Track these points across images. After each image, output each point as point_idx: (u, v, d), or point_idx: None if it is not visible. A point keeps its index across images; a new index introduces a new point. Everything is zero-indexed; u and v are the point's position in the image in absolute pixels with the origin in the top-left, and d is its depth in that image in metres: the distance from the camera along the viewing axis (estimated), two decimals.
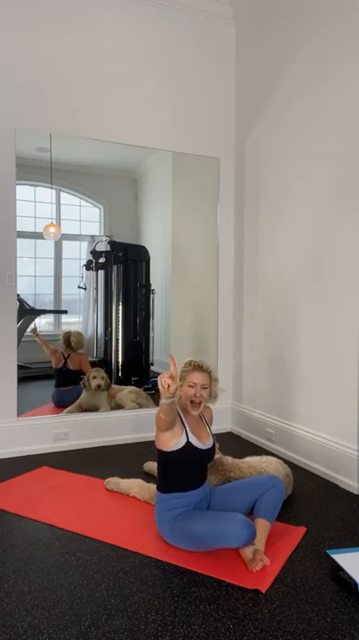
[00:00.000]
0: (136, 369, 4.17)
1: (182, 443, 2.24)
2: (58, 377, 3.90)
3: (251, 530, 2.07)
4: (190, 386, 2.29)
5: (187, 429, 2.28)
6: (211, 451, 2.37)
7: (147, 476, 3.05)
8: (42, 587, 1.96)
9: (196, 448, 2.27)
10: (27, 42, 3.44)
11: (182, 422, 2.28)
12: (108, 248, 4.06)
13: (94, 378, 3.83)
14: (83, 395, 3.84)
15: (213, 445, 2.39)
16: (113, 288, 4.09)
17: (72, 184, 3.98)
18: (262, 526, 2.23)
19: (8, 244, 3.44)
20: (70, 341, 3.88)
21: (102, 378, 3.85)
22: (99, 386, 3.82)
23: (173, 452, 2.23)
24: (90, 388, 3.82)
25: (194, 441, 2.27)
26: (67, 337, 3.90)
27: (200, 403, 2.30)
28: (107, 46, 3.67)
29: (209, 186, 4.09)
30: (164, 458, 2.28)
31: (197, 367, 2.32)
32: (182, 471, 2.27)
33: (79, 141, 3.68)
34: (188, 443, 2.25)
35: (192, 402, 2.29)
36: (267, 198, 3.71)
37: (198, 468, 2.32)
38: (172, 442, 2.23)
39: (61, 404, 3.81)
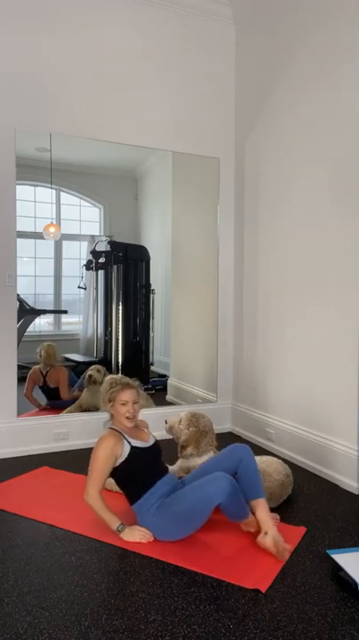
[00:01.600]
0: (136, 369, 4.17)
1: (127, 451, 2.32)
2: (43, 394, 3.83)
3: (230, 480, 2.14)
4: (122, 404, 2.37)
5: (127, 437, 2.36)
6: (157, 446, 2.46)
7: None
8: (42, 587, 1.96)
9: (142, 448, 2.36)
10: (27, 42, 3.44)
11: (120, 433, 2.35)
12: (108, 248, 4.06)
13: (90, 371, 3.85)
14: (84, 394, 3.84)
15: (156, 442, 2.47)
16: (113, 288, 4.09)
17: (72, 184, 3.98)
18: (260, 506, 2.26)
19: (8, 244, 3.44)
20: (41, 355, 3.75)
21: (98, 371, 3.84)
22: (90, 376, 3.81)
23: (123, 462, 2.31)
24: (89, 383, 3.81)
25: (137, 443, 2.36)
26: (40, 351, 3.77)
27: (134, 417, 2.40)
28: (108, 46, 3.67)
29: (209, 186, 4.08)
30: (119, 473, 2.34)
31: (126, 385, 2.40)
32: (140, 474, 2.34)
33: (79, 141, 3.67)
34: (133, 447, 2.33)
35: (127, 417, 2.37)
36: (266, 198, 3.70)
37: (152, 464, 2.39)
38: (118, 458, 2.31)
39: (58, 410, 3.79)
